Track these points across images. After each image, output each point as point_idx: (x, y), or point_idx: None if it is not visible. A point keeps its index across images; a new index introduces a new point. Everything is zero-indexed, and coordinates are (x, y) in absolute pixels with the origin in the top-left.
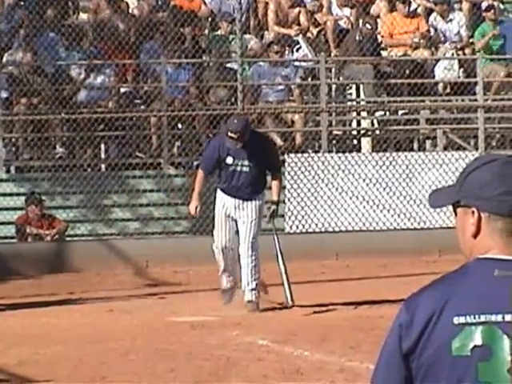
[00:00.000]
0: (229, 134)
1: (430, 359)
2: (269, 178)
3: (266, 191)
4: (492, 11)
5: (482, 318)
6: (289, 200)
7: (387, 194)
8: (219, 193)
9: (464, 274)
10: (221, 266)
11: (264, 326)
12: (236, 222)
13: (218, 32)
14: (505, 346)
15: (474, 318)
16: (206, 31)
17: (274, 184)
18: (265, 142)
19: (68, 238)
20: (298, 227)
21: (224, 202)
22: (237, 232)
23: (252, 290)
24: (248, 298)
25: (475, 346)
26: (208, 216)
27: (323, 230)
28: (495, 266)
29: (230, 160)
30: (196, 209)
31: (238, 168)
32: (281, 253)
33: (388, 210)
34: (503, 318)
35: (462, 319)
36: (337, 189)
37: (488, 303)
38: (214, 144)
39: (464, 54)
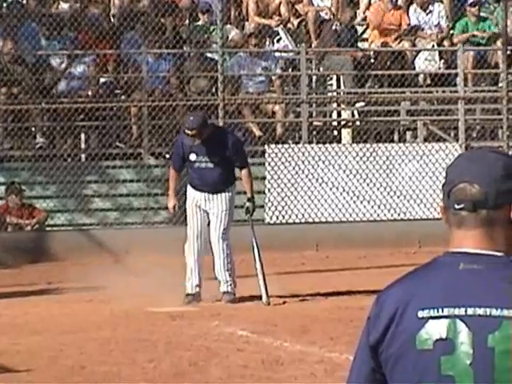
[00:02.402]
0: (186, 131)
1: (396, 352)
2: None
3: (238, 183)
4: (476, 7)
5: (446, 312)
6: (269, 191)
7: (367, 185)
8: (189, 188)
9: (432, 268)
10: (189, 265)
11: (244, 317)
12: (207, 213)
13: (199, 22)
14: (467, 340)
15: (438, 311)
16: (187, 21)
17: (244, 179)
18: (228, 138)
19: (48, 228)
20: (278, 218)
21: (194, 197)
22: (208, 224)
23: (226, 281)
24: (223, 289)
25: (438, 340)
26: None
27: (303, 220)
28: (461, 260)
29: (193, 157)
30: (174, 207)
31: (203, 165)
32: (258, 251)
33: (368, 201)
34: (466, 311)
35: (425, 313)
36: (317, 180)
37: (452, 297)
38: (178, 141)
39: (443, 45)
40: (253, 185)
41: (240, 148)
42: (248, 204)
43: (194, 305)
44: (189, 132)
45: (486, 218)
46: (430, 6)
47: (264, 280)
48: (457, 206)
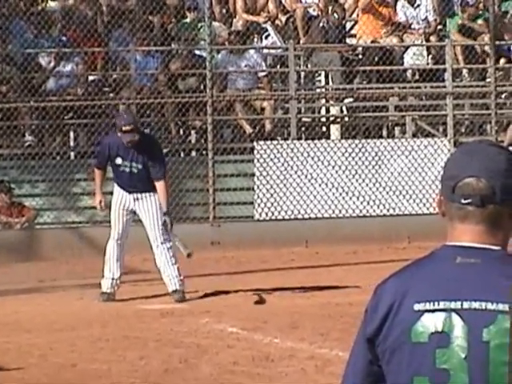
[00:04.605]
0: (123, 128)
1: (393, 345)
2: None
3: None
4: (473, 8)
5: (441, 305)
6: (258, 187)
7: (356, 180)
8: (116, 187)
9: (429, 261)
10: (109, 265)
11: (234, 314)
12: (135, 213)
13: (187, 20)
14: (462, 333)
15: (433, 304)
16: (175, 19)
17: (160, 192)
18: (154, 145)
19: (37, 226)
20: (267, 214)
21: (122, 195)
22: (134, 222)
23: (174, 276)
24: (172, 288)
25: (433, 333)
26: (178, 204)
27: (292, 217)
28: (458, 253)
29: (119, 161)
30: (100, 203)
31: (127, 169)
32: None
33: (357, 197)
34: (461, 305)
35: (421, 306)
36: (306, 176)
37: (448, 290)
38: (105, 142)
39: (429, 40)
40: (169, 198)
41: (163, 158)
42: (166, 218)
43: (107, 300)
44: (127, 128)
45: (493, 212)
46: (418, 0)
47: (175, 235)
48: (464, 201)
